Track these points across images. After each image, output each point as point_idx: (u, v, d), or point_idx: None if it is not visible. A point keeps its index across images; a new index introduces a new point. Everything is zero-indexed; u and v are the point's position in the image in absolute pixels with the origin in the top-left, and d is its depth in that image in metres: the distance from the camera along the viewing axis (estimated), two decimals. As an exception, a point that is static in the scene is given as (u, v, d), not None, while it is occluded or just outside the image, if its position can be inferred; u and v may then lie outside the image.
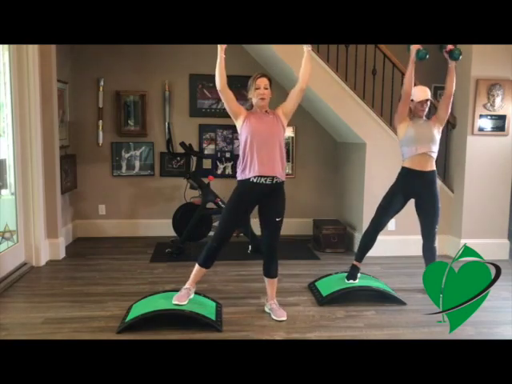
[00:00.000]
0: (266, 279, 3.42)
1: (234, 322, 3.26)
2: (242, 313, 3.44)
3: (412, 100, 3.66)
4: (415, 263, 4.65)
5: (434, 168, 3.74)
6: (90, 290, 3.84)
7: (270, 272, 3.37)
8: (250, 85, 3.17)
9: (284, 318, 3.31)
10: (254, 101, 3.17)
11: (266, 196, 3.21)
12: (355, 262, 3.84)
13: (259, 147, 3.12)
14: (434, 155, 3.71)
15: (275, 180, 3.18)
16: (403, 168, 3.74)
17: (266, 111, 3.21)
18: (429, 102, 3.69)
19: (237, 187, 3.27)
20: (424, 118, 3.71)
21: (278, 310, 3.38)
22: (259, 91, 3.13)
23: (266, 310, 3.44)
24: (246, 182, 3.18)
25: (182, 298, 3.21)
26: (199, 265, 3.31)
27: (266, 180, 3.15)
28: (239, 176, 3.22)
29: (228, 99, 3.15)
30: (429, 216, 3.73)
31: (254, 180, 3.14)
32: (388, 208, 3.75)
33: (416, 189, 3.70)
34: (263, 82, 3.14)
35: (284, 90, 5.66)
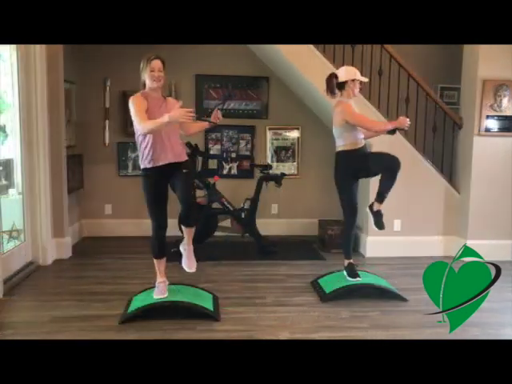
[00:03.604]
0: (183, 228, 3.53)
1: (239, 322, 3.27)
2: (246, 313, 3.44)
3: (347, 81, 3.70)
4: (420, 264, 4.62)
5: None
6: (96, 288, 3.86)
7: (189, 222, 3.49)
8: (144, 66, 3.14)
9: (192, 270, 3.44)
10: (148, 82, 3.16)
11: (173, 173, 3.37)
12: (349, 261, 3.88)
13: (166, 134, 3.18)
14: None
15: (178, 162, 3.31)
16: (347, 151, 3.69)
17: (163, 96, 3.28)
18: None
19: (147, 176, 3.37)
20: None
21: (190, 258, 3.47)
22: (154, 74, 3.13)
23: (181, 249, 3.53)
24: (155, 170, 3.29)
25: (163, 291, 3.40)
26: (156, 257, 3.46)
27: (173, 165, 3.28)
28: (148, 164, 3.27)
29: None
30: None
31: (163, 166, 3.26)
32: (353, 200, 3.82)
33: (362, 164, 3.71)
34: (157, 64, 3.14)
35: (286, 87, 5.68)
